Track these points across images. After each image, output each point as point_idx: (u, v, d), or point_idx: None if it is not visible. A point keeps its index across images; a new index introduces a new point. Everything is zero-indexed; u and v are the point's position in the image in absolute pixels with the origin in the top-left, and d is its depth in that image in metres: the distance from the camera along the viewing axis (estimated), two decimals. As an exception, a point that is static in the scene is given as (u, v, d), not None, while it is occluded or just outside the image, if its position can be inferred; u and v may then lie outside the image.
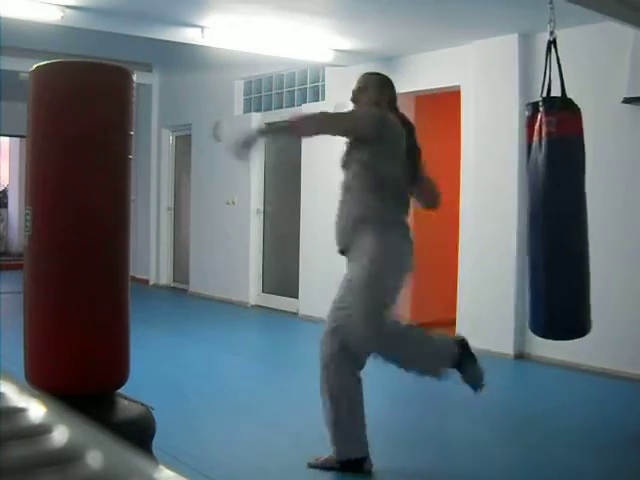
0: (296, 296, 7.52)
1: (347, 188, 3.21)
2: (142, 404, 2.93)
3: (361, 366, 3.20)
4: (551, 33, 3.58)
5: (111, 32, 5.70)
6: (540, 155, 3.51)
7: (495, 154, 5.78)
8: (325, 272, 7.13)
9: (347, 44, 6.19)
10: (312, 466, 3.19)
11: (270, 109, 8.10)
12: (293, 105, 7.78)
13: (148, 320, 6.52)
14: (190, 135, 9.12)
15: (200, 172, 8.85)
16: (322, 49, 6.36)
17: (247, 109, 8.41)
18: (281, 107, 7.97)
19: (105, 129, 2.81)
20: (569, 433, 3.88)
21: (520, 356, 5.57)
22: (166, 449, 3.03)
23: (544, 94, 3.56)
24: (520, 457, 3.57)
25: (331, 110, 3.78)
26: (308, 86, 7.66)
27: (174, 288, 9.45)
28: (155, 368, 4.99)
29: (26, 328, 2.83)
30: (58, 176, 2.76)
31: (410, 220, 3.43)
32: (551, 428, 3.97)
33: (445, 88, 6.27)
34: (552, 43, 3.60)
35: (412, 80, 6.43)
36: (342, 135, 3.27)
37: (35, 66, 2.80)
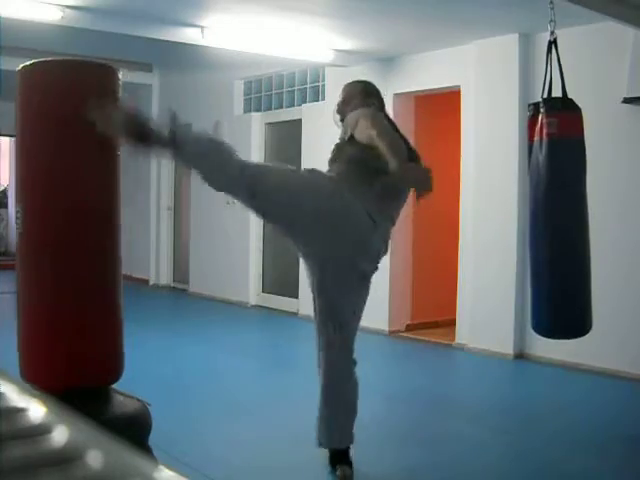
0: (296, 296, 7.52)
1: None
2: (138, 399, 2.93)
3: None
4: (551, 33, 3.58)
5: (111, 32, 5.70)
6: (541, 156, 3.52)
7: (495, 154, 5.78)
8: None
9: (347, 44, 6.19)
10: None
11: (270, 109, 8.10)
12: (293, 105, 7.78)
13: (148, 320, 6.53)
14: (190, 135, 9.10)
15: (200, 172, 8.83)
16: (322, 49, 6.36)
17: (247, 109, 8.41)
18: (281, 107, 7.97)
19: (91, 127, 2.80)
20: (569, 433, 3.88)
21: (520, 356, 5.57)
22: (165, 448, 3.03)
23: (545, 94, 3.56)
24: (519, 457, 3.57)
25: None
26: (308, 86, 7.67)
27: (174, 288, 9.45)
28: (155, 368, 5.00)
29: (19, 326, 2.83)
30: (46, 174, 2.77)
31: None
32: (551, 428, 3.97)
33: (445, 88, 6.27)
34: (552, 43, 3.60)
35: (412, 80, 6.43)
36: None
37: (22, 65, 2.81)
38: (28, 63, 2.80)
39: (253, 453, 3.42)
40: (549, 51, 3.59)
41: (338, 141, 3.27)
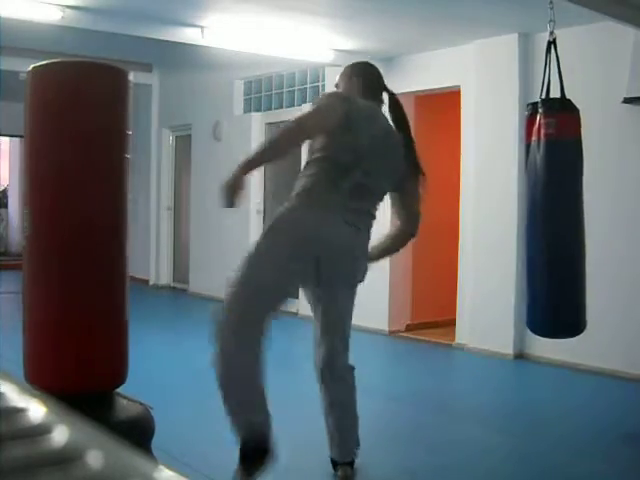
0: (296, 296, 7.49)
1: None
2: (141, 403, 2.94)
3: None
4: (551, 33, 3.58)
5: (111, 32, 5.70)
6: (538, 156, 3.52)
7: (495, 154, 5.78)
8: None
9: (347, 44, 6.19)
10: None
11: (270, 109, 8.10)
12: (293, 105, 7.78)
13: (148, 320, 6.52)
14: (190, 135, 9.12)
15: (200, 172, 8.85)
16: (322, 49, 6.36)
17: (247, 109, 8.41)
18: (281, 107, 7.97)
19: (102, 129, 2.81)
20: (569, 434, 3.88)
21: (520, 356, 5.57)
22: (166, 449, 3.03)
23: (543, 95, 3.57)
24: (521, 458, 3.57)
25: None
26: (308, 86, 7.67)
27: (174, 288, 9.45)
28: (155, 368, 4.99)
29: (25, 328, 2.83)
30: (55, 176, 2.77)
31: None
32: (551, 428, 3.97)
33: (445, 88, 6.27)
34: (552, 43, 3.60)
35: (412, 80, 6.43)
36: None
37: (32, 66, 2.81)
38: (39, 64, 2.80)
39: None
40: (548, 51, 3.59)
41: None
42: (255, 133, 8.12)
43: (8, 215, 12.73)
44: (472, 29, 5.56)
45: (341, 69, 3.22)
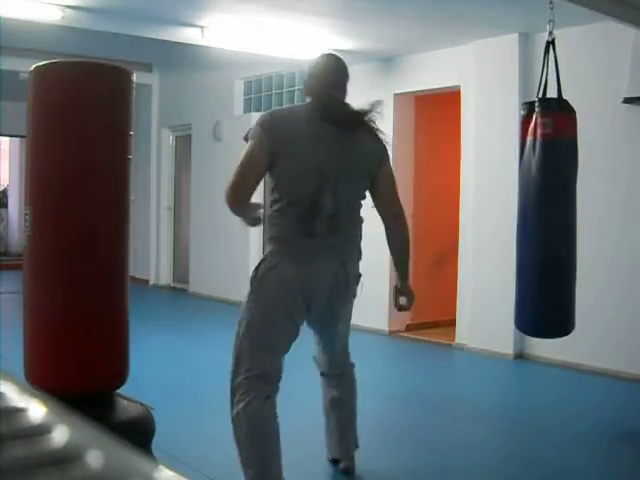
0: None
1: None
2: (142, 404, 2.94)
3: None
4: (550, 33, 3.58)
5: (111, 32, 5.70)
6: (534, 155, 3.52)
7: (495, 154, 5.77)
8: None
9: (347, 44, 6.19)
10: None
11: (270, 109, 8.09)
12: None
13: (148, 320, 6.52)
14: (190, 135, 9.12)
15: (200, 172, 8.85)
16: (322, 49, 6.35)
17: (247, 109, 8.41)
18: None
19: (105, 129, 2.81)
20: (569, 433, 3.88)
21: (520, 356, 5.57)
22: (166, 449, 3.03)
23: (540, 94, 3.57)
24: (520, 456, 3.57)
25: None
26: (308, 86, 7.66)
27: (174, 288, 9.45)
28: (155, 368, 4.99)
29: (26, 328, 2.83)
30: (58, 176, 2.76)
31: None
32: (551, 428, 3.97)
33: (445, 88, 6.27)
34: (550, 43, 3.60)
35: (412, 80, 6.43)
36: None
37: (34, 66, 2.80)
38: (41, 64, 2.79)
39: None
40: (546, 51, 3.60)
41: None
42: (255, 133, 8.11)
43: (8, 215, 12.73)
44: (472, 29, 5.56)
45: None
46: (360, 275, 2.88)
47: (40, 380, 2.66)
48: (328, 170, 2.70)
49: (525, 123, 3.59)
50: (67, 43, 6.49)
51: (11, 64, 6.97)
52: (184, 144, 9.38)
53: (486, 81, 5.85)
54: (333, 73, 2.88)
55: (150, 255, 9.55)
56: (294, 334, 2.81)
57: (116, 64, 3.07)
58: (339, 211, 2.72)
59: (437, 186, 6.72)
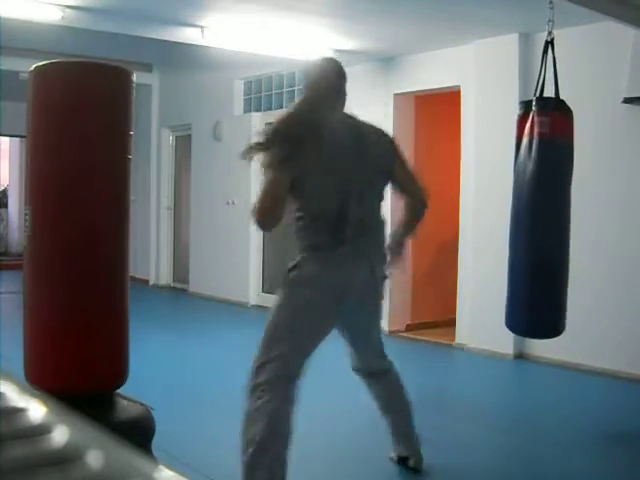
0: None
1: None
2: (142, 404, 2.94)
3: None
4: (549, 33, 3.58)
5: (111, 32, 5.70)
6: (529, 155, 3.52)
7: (495, 154, 5.77)
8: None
9: (347, 44, 6.19)
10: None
11: (270, 109, 8.10)
12: (293, 105, 7.78)
13: (148, 320, 6.52)
14: (190, 135, 9.11)
15: (200, 172, 8.85)
16: (322, 49, 6.35)
17: (247, 109, 8.41)
18: (281, 107, 7.96)
19: (105, 129, 2.81)
20: (569, 433, 3.88)
21: (520, 356, 5.57)
22: (166, 449, 3.03)
23: (537, 94, 3.57)
24: (518, 456, 3.57)
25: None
26: (308, 86, 7.66)
27: (174, 288, 9.45)
28: (155, 368, 4.99)
29: (26, 328, 2.83)
30: (58, 176, 2.76)
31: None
32: (551, 428, 3.97)
33: (445, 88, 6.27)
34: (550, 43, 3.60)
35: (412, 80, 6.43)
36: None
37: (34, 66, 2.80)
38: (41, 64, 2.79)
39: (253, 453, 3.41)
40: (545, 51, 3.60)
41: None
42: (255, 133, 8.11)
43: (8, 215, 12.73)
44: (472, 29, 5.56)
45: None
46: (386, 277, 2.91)
47: (40, 380, 2.66)
48: (349, 178, 2.73)
49: (522, 122, 3.59)
50: (67, 43, 6.49)
51: (11, 64, 6.97)
52: (184, 144, 9.38)
53: (486, 81, 5.85)
54: (324, 86, 2.90)
55: (150, 255, 9.55)
56: (321, 339, 2.81)
57: (116, 64, 3.07)
58: (365, 215, 2.75)
59: (437, 186, 6.69)
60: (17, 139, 11.82)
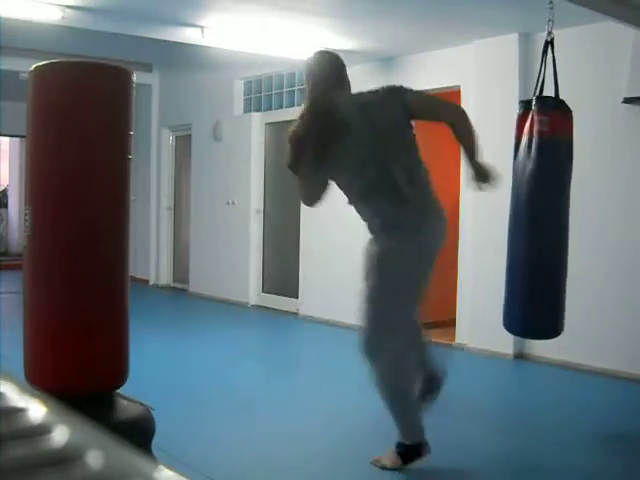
0: (296, 296, 7.52)
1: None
2: (142, 404, 2.94)
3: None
4: (549, 33, 3.59)
5: (111, 32, 5.70)
6: (529, 154, 3.52)
7: (495, 154, 5.76)
8: (325, 272, 7.13)
9: (347, 44, 6.19)
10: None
11: (270, 109, 8.10)
12: (293, 105, 7.78)
13: (148, 320, 6.53)
14: (190, 135, 9.12)
15: (200, 172, 8.85)
16: (321, 48, 6.35)
17: (247, 109, 8.41)
18: (281, 107, 7.97)
19: (105, 129, 2.81)
20: (569, 433, 3.88)
21: (520, 356, 5.57)
22: (166, 449, 3.03)
23: (537, 93, 3.57)
24: (518, 456, 3.57)
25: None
26: (308, 86, 7.66)
27: (174, 288, 9.45)
28: (155, 368, 4.99)
29: (26, 328, 2.83)
30: (58, 176, 2.76)
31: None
32: (551, 428, 3.97)
33: (445, 88, 6.26)
34: (549, 43, 3.61)
35: (412, 80, 6.41)
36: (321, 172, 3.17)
37: (34, 66, 2.80)
38: (41, 64, 2.79)
39: (253, 453, 3.42)
40: (545, 51, 3.60)
41: None
42: (255, 133, 8.12)
43: (8, 215, 12.74)
44: (472, 29, 5.56)
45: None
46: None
47: (40, 380, 2.66)
48: (375, 148, 3.04)
49: (521, 121, 3.59)
50: (67, 43, 6.49)
51: (11, 64, 6.97)
52: (184, 144, 9.38)
53: (486, 81, 5.85)
54: (324, 76, 3.25)
55: (150, 255, 9.55)
56: (420, 297, 3.21)
57: (116, 64, 3.06)
58: (408, 171, 3.10)
59: (437, 186, 6.71)
60: (17, 139, 11.82)
